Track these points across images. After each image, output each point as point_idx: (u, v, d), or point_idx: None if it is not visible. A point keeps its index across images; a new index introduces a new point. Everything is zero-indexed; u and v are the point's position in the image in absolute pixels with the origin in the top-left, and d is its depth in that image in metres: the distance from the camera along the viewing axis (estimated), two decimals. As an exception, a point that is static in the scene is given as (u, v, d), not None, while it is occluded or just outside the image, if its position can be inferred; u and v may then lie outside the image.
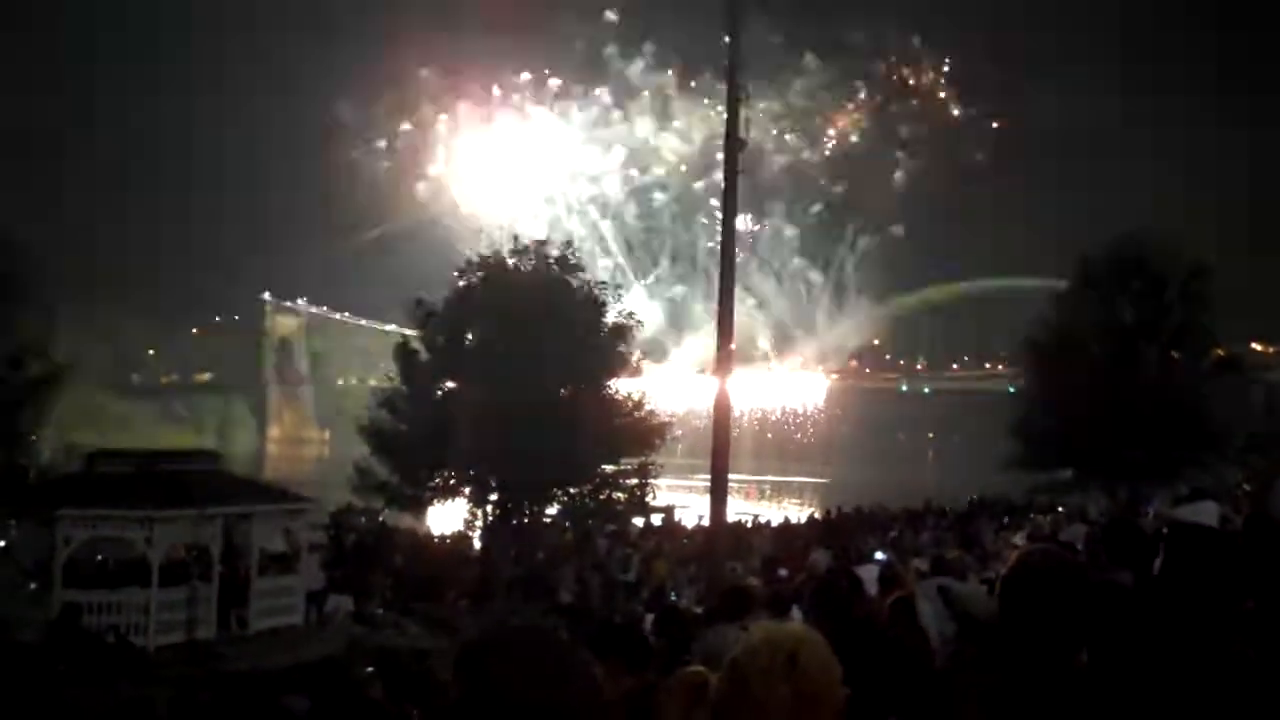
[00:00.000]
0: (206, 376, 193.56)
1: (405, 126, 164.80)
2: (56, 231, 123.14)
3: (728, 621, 9.16)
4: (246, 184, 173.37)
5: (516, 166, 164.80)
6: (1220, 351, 40.04)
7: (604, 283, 38.80)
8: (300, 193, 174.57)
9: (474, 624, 24.66)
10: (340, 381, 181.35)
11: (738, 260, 28.27)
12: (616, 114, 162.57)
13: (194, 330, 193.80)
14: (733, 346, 25.90)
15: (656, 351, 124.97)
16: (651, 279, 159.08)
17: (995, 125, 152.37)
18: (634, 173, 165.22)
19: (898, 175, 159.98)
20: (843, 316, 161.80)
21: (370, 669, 13.49)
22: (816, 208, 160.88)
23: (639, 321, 38.39)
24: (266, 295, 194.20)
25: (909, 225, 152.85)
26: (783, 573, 22.98)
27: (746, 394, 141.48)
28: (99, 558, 25.23)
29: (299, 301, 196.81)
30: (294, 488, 33.99)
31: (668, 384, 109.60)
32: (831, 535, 34.34)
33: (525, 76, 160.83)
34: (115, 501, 23.49)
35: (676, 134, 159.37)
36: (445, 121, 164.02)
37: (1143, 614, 4.66)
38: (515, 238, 39.03)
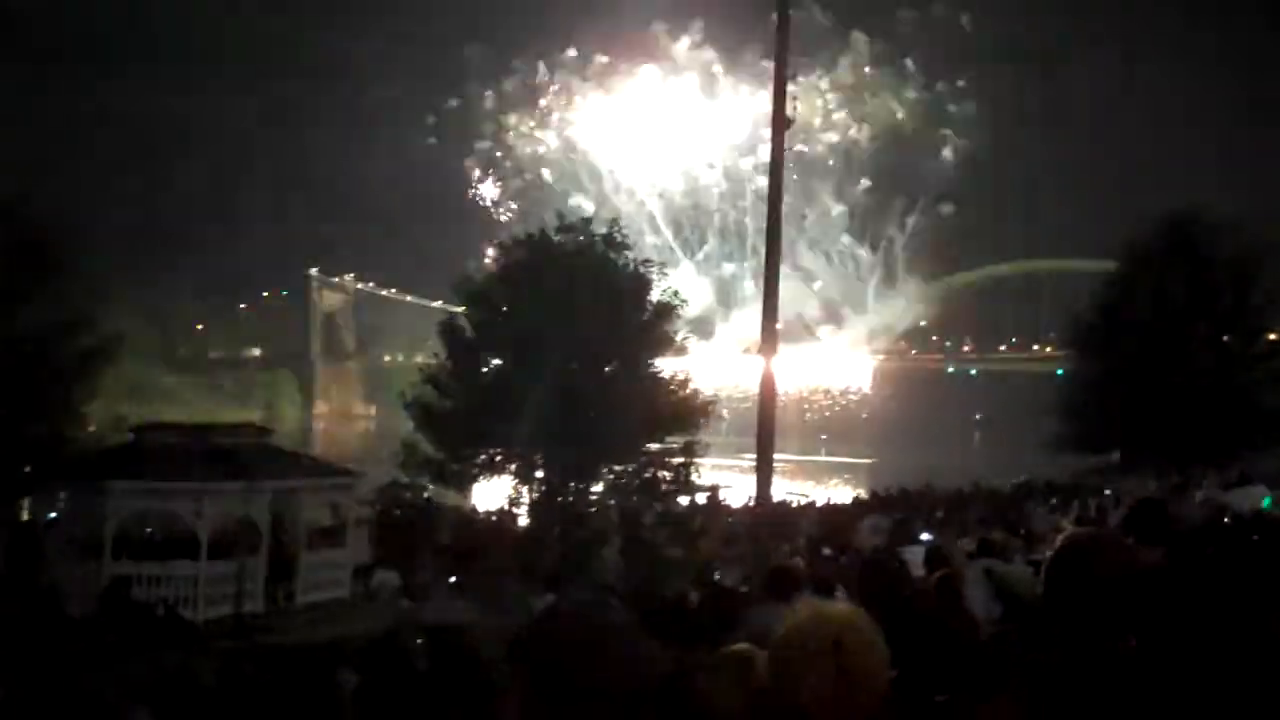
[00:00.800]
0: (255, 351, 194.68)
1: (453, 102, 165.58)
2: (107, 204, 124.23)
3: (773, 601, 9.17)
4: (296, 159, 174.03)
5: (566, 144, 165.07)
6: (1272, 335, 39.70)
7: (649, 260, 38.76)
8: (350, 168, 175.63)
9: (518, 600, 24.74)
10: (387, 358, 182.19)
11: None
12: (664, 91, 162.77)
13: (242, 306, 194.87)
14: (779, 325, 25.87)
15: (704, 329, 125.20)
16: (700, 256, 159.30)
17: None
18: (682, 149, 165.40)
19: (946, 153, 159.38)
20: (891, 295, 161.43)
21: (420, 642, 13.56)
22: (865, 184, 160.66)
23: (684, 300, 38.35)
24: (314, 271, 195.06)
25: (958, 204, 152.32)
26: (827, 552, 22.97)
27: (793, 373, 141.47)
28: (148, 530, 25.44)
29: (346, 278, 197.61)
30: (341, 463, 34.22)
31: (715, 362, 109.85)
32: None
33: (571, 53, 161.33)
34: (164, 474, 23.69)
35: (724, 111, 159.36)
36: (493, 98, 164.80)
37: (1192, 597, 4.62)
38: (560, 215, 39.13)
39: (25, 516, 26.98)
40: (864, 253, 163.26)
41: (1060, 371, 54.22)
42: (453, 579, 27.60)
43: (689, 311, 40.99)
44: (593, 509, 35.19)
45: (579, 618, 2.84)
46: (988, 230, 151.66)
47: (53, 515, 26.36)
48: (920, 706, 4.14)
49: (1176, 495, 23.25)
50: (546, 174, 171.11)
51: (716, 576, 25.11)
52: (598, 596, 2.97)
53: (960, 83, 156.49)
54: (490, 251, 53.60)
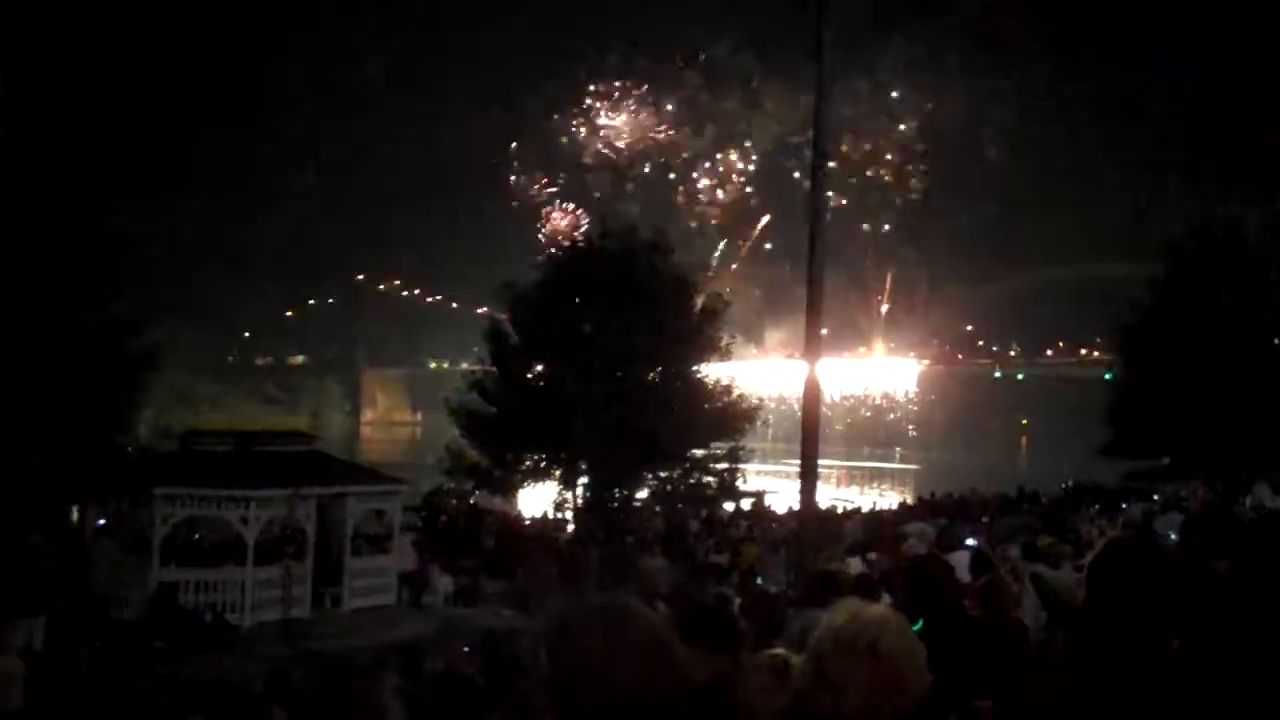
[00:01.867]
0: (301, 358, 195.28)
1: (499, 109, 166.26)
2: (154, 212, 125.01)
3: (816, 606, 9.14)
4: (344, 167, 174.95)
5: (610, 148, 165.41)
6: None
7: (694, 264, 38.82)
8: (397, 176, 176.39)
9: (561, 605, 24.77)
10: (433, 364, 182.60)
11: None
12: (705, 95, 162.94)
13: (288, 312, 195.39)
14: (824, 331, 25.77)
15: (751, 333, 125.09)
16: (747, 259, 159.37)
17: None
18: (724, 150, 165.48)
19: (991, 152, 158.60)
20: (937, 298, 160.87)
21: (466, 649, 13.62)
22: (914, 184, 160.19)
23: (728, 304, 38.32)
24: (360, 277, 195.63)
25: (1003, 205, 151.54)
26: (872, 557, 22.83)
27: (839, 378, 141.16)
28: (195, 536, 25.56)
29: (393, 284, 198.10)
30: (387, 469, 34.32)
31: (761, 367, 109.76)
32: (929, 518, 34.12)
33: (613, 59, 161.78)
34: (212, 481, 23.77)
35: (767, 114, 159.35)
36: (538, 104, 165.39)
37: (1238, 603, 4.58)
38: (604, 220, 39.20)
39: (73, 523, 27.18)
40: (910, 255, 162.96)
41: (1109, 376, 53.79)
42: (497, 584, 27.68)
43: (736, 315, 40.98)
44: (637, 514, 35.23)
45: (609, 620, 2.84)
46: (1034, 231, 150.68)
47: (101, 522, 26.50)
48: (958, 711, 4.13)
49: (1226, 500, 23.10)
50: (590, 178, 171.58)
51: (759, 581, 25.09)
52: (630, 599, 2.96)
53: (1003, 82, 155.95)
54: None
